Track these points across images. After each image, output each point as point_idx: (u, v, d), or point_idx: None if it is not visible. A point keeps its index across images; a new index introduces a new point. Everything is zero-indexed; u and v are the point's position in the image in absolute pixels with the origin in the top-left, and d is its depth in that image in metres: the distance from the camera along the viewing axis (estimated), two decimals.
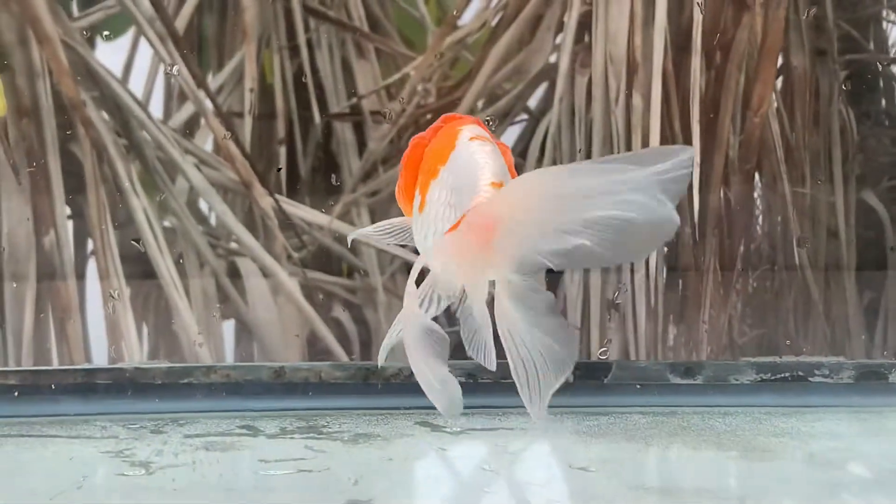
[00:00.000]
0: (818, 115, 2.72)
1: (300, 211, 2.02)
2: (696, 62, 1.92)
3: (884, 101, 3.12)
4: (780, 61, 2.73)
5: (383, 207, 2.28)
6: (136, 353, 1.85)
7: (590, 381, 1.59)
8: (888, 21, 3.13)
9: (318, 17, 2.20)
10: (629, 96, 2.00)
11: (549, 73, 2.19)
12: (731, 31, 2.01)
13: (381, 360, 1.12)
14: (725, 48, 2.01)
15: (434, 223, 0.99)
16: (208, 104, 2.01)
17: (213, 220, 2.06)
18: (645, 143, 1.97)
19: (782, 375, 1.65)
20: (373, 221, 2.26)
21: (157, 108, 2.31)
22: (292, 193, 2.23)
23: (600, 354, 1.92)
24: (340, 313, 2.22)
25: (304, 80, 2.22)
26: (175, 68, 1.85)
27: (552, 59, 2.19)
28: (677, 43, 2.01)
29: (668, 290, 2.09)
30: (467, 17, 2.31)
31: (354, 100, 2.16)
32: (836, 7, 2.97)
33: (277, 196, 1.96)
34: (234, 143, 1.89)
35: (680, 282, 2.12)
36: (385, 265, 2.22)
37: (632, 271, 2.02)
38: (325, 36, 2.28)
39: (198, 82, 1.85)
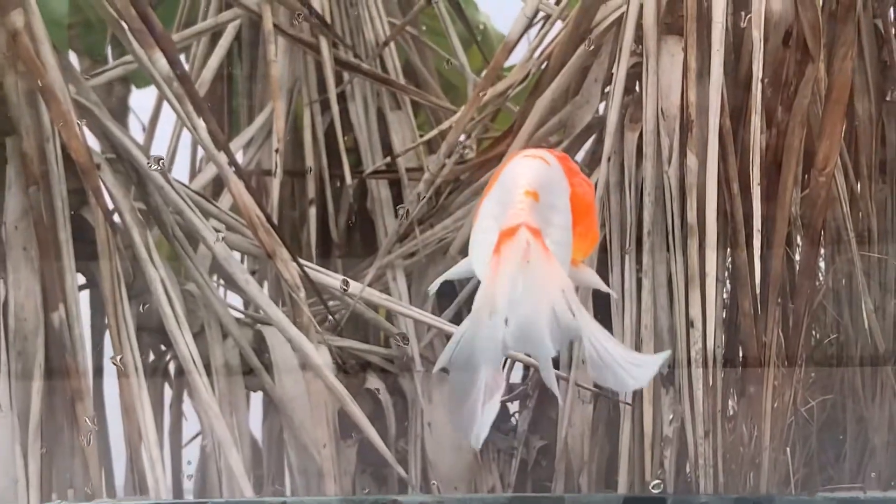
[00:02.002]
0: (885, 164, 2.57)
1: (329, 279, 1.89)
2: (756, 120, 1.76)
3: None
4: None
5: (421, 269, 2.15)
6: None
7: None
8: None
9: (350, 70, 2.08)
10: (683, 155, 1.85)
11: (597, 127, 2.05)
12: (794, 84, 1.86)
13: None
14: (787, 103, 1.86)
15: (481, 236, 0.88)
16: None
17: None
18: (700, 206, 1.82)
19: None
20: (409, 285, 2.14)
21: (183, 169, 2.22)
22: (323, 257, 2.11)
23: (652, 487, 1.77)
24: (376, 384, 2.09)
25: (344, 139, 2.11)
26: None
27: (600, 112, 2.05)
28: (735, 98, 1.86)
29: (728, 364, 1.94)
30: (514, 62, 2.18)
31: (388, 158, 2.03)
32: None
33: (304, 263, 1.83)
34: (258, 208, 1.76)
35: (740, 354, 1.97)
36: (422, 332, 2.08)
37: (687, 344, 1.87)
38: (360, 88, 2.16)
39: (218, 144, 1.73)
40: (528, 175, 0.90)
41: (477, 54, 2.42)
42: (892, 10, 2.82)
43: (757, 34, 1.78)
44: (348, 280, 1.78)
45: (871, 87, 2.42)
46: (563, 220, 0.89)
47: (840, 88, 1.88)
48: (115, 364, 1.65)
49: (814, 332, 2.80)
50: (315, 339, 1.83)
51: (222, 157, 1.75)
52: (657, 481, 1.79)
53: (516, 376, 2.18)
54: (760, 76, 1.78)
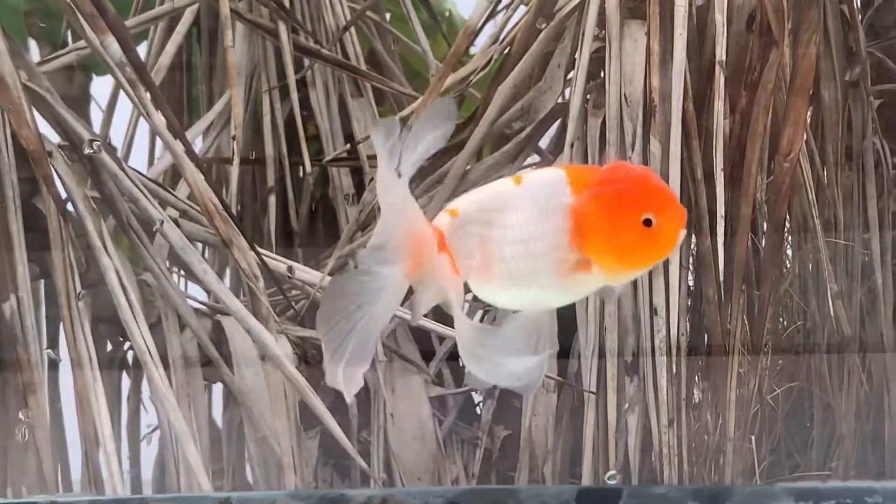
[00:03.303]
0: (850, 150, 2.56)
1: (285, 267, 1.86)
2: (719, 105, 1.74)
3: None
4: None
5: None
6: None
7: None
8: None
9: (310, 56, 2.04)
10: (647, 141, 1.83)
11: (561, 113, 2.03)
12: (758, 69, 1.84)
13: None
14: (751, 88, 1.84)
15: None
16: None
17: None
18: None
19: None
20: None
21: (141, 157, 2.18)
22: (284, 246, 2.08)
23: (608, 479, 1.75)
24: None
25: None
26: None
27: (565, 98, 2.03)
28: (698, 83, 1.84)
29: (692, 352, 1.92)
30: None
31: (348, 146, 2.00)
32: (867, 33, 2.82)
33: (262, 251, 1.80)
34: (216, 195, 1.73)
35: (705, 341, 1.95)
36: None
37: (651, 332, 1.86)
38: (321, 74, 2.13)
39: (174, 131, 1.69)
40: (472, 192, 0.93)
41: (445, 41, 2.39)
42: None
43: (720, 18, 1.76)
44: (293, 267, 1.74)
45: (836, 73, 2.41)
46: (503, 235, 0.90)
47: (804, 74, 1.87)
48: (50, 356, 1.61)
49: (781, 320, 2.80)
50: (273, 330, 1.80)
51: (178, 144, 1.72)
52: (612, 472, 1.77)
53: None
54: (723, 60, 1.76)
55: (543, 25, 1.89)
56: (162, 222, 1.69)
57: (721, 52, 1.75)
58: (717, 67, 1.75)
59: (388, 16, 2.51)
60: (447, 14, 2.94)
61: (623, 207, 0.91)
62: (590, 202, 0.91)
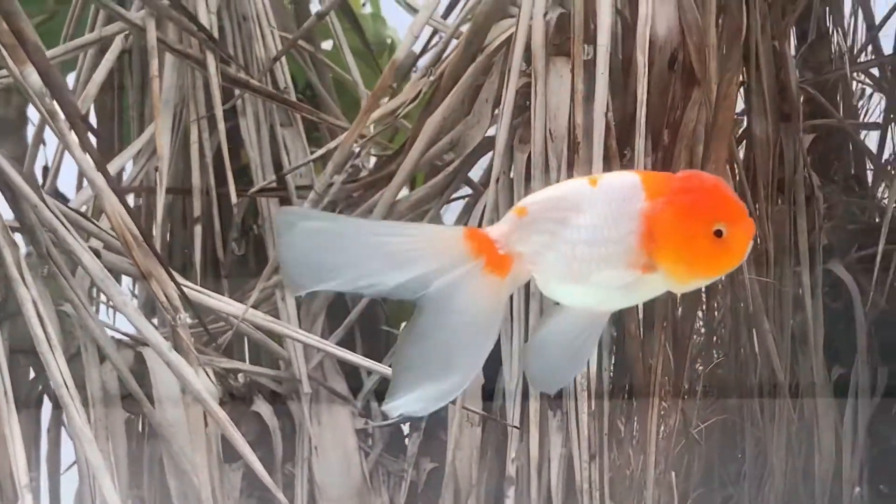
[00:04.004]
0: (783, 183, 2.59)
1: (211, 300, 1.85)
2: (641, 143, 1.76)
3: (853, 167, 2.99)
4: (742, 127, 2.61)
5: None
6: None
7: None
8: (860, 82, 3.02)
9: (238, 86, 2.04)
10: (569, 176, 1.84)
11: (489, 146, 2.03)
12: (680, 107, 1.86)
13: None
14: (674, 126, 1.86)
15: None
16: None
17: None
18: None
19: None
20: (299, 306, 2.10)
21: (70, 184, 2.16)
22: (209, 278, 2.07)
23: None
24: (263, 407, 2.05)
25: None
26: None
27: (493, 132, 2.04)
28: (622, 121, 1.86)
29: (615, 386, 1.93)
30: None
31: (274, 177, 2.00)
32: (801, 69, 2.86)
33: (185, 283, 1.79)
34: (138, 226, 1.71)
35: (628, 378, 1.96)
36: (311, 353, 2.05)
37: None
38: (252, 104, 2.12)
39: (97, 164, 1.68)
40: (542, 191, 0.95)
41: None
42: (793, 31, 2.87)
43: (641, 58, 1.78)
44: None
45: (768, 109, 2.44)
46: (575, 235, 0.92)
47: (725, 112, 1.89)
48: None
49: (716, 353, 2.83)
50: (194, 363, 1.79)
51: (99, 174, 1.70)
52: None
53: None
54: (645, 99, 1.78)
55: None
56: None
57: (642, 91, 1.76)
58: (640, 106, 1.76)
59: (330, 43, 2.51)
60: (389, 42, 2.95)
61: (696, 216, 0.92)
62: (664, 209, 0.92)
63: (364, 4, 2.89)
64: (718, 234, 0.93)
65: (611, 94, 1.84)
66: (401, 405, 0.94)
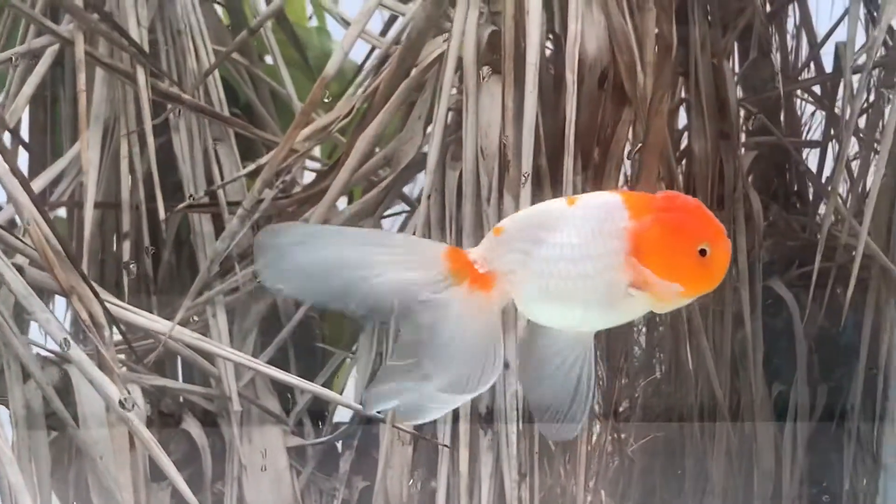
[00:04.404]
0: (723, 201, 2.59)
1: (137, 317, 1.82)
2: (570, 162, 1.75)
3: (795, 184, 3.00)
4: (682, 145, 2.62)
5: (243, 306, 2.10)
6: None
7: None
8: (803, 100, 3.04)
9: (170, 101, 2.02)
10: (500, 194, 1.84)
11: (422, 164, 2.02)
12: (610, 126, 1.86)
13: None
14: (604, 145, 1.86)
15: None
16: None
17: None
18: None
19: None
20: (231, 322, 2.08)
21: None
22: (138, 294, 2.04)
23: None
24: (191, 426, 2.02)
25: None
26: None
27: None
28: (554, 138, 1.86)
29: None
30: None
31: (203, 193, 1.98)
32: (743, 87, 2.87)
33: (109, 300, 1.77)
34: (61, 242, 1.69)
35: None
36: (242, 370, 2.03)
37: (504, 386, 1.85)
38: (185, 119, 2.10)
39: (20, 179, 1.66)
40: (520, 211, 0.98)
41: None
42: (736, 49, 2.88)
43: (570, 76, 1.77)
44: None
45: (707, 127, 2.45)
46: (553, 252, 0.92)
47: (656, 132, 1.89)
48: None
49: (657, 372, 2.82)
50: (118, 381, 1.76)
51: (21, 189, 1.68)
52: None
53: (343, 415, 2.14)
54: (574, 118, 1.77)
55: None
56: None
57: (571, 110, 1.76)
58: (568, 125, 1.75)
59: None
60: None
61: (683, 235, 0.93)
62: (651, 227, 0.93)
63: (311, 18, 2.87)
64: (702, 253, 0.93)
65: (542, 113, 1.84)
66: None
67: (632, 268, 0.93)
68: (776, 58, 2.87)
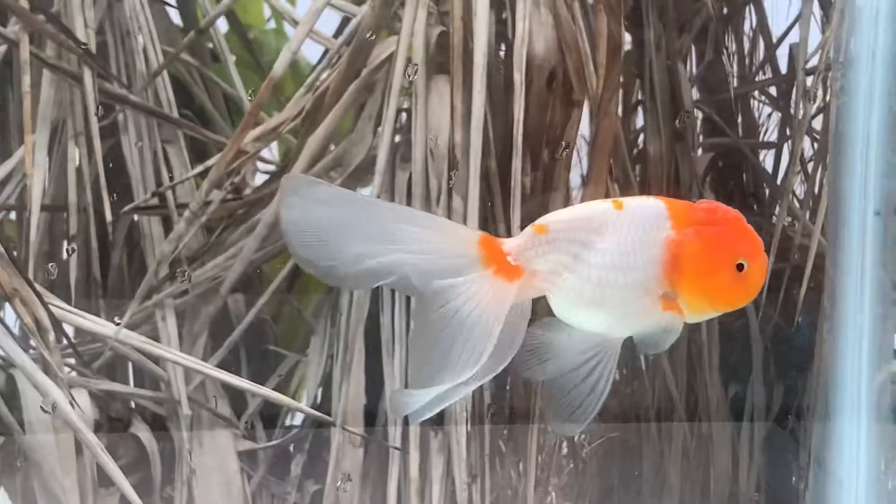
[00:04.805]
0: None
1: (83, 321, 1.80)
2: (518, 163, 1.75)
3: (752, 185, 3.01)
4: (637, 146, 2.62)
5: (193, 309, 2.08)
6: None
7: None
8: (759, 101, 3.05)
9: (117, 102, 2.00)
10: (449, 197, 1.83)
11: (372, 165, 2.01)
12: (559, 127, 1.85)
13: None
14: (553, 145, 1.86)
15: None
16: None
17: None
18: None
19: None
20: (181, 325, 2.07)
21: None
22: (88, 299, 2.02)
23: None
24: (140, 430, 2.01)
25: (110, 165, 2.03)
26: None
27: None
28: (503, 140, 1.85)
29: (496, 405, 1.92)
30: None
31: (148, 195, 1.96)
32: (701, 89, 2.87)
33: (54, 303, 1.75)
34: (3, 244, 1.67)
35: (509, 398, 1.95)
36: (192, 374, 2.01)
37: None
38: (134, 121, 2.08)
39: None
40: (564, 211, 0.95)
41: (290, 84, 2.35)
42: (693, 50, 2.88)
43: (518, 76, 1.77)
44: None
45: (662, 129, 2.45)
46: (598, 258, 0.91)
47: (604, 132, 1.88)
48: None
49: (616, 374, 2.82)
50: (63, 385, 1.74)
51: None
52: None
53: (296, 419, 2.13)
54: (522, 118, 1.77)
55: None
56: None
57: (519, 111, 1.76)
58: (516, 125, 1.75)
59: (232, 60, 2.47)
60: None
61: (723, 249, 0.93)
62: (692, 240, 0.92)
63: (269, 21, 2.86)
64: (740, 267, 0.92)
65: (491, 114, 1.83)
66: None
67: (668, 278, 0.92)
68: (733, 59, 2.88)
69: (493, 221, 1.83)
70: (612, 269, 0.93)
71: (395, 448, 1.89)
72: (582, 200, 1.91)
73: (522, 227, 1.80)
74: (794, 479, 2.11)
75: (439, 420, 1.89)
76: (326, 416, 1.89)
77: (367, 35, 1.80)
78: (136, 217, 2.04)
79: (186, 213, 1.89)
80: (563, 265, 0.93)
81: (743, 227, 0.96)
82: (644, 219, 0.94)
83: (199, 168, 1.95)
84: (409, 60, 1.77)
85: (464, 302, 0.92)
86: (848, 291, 1.69)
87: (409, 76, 1.72)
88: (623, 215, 0.94)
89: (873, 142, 1.64)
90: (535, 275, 0.94)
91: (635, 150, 2.61)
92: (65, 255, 2.04)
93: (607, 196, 1.93)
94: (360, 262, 0.92)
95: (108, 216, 1.89)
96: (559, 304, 0.96)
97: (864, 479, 1.69)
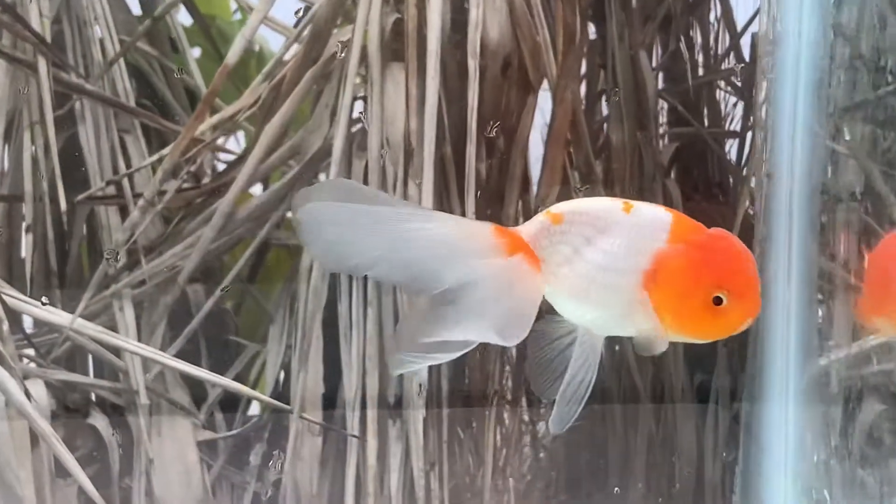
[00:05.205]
0: (643, 190, 2.60)
1: (37, 310, 1.80)
2: (472, 150, 1.75)
3: (716, 174, 3.02)
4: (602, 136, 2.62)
5: (151, 299, 2.07)
6: None
7: None
8: (724, 90, 3.05)
9: (73, 91, 1.99)
10: (405, 184, 1.83)
11: (329, 154, 2.01)
12: (515, 113, 1.86)
13: None
14: (509, 132, 1.86)
15: None
16: None
17: None
18: None
19: None
20: (139, 316, 2.06)
21: None
22: (48, 290, 2.02)
23: None
24: (98, 420, 2.00)
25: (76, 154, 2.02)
26: None
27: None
28: (459, 128, 1.85)
29: (454, 394, 1.92)
30: None
31: (104, 183, 1.95)
32: (665, 79, 2.88)
33: (7, 293, 1.74)
34: None
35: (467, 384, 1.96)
36: (149, 365, 2.00)
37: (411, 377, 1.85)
38: (91, 110, 2.07)
39: None
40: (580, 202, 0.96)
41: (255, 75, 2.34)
42: (658, 40, 2.89)
43: (472, 63, 1.77)
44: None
45: (624, 118, 2.45)
46: (595, 257, 0.91)
47: (561, 119, 1.89)
48: None
49: None
50: (17, 375, 1.74)
51: None
52: None
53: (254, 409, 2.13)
54: (477, 105, 1.77)
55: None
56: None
57: (473, 97, 1.76)
58: (470, 112, 1.75)
59: (198, 52, 2.46)
60: (257, 49, 2.91)
61: (700, 276, 0.92)
62: (675, 256, 0.92)
63: (235, 12, 2.85)
64: (718, 301, 0.91)
65: (447, 101, 1.83)
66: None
67: (647, 288, 0.93)
68: (697, 49, 2.88)
69: (448, 208, 1.84)
70: (597, 267, 0.94)
71: (353, 436, 1.89)
72: (539, 186, 1.92)
73: (477, 215, 1.82)
74: (724, 453, 2.12)
75: (398, 407, 1.89)
76: (284, 405, 1.89)
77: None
78: (94, 207, 2.03)
79: (141, 202, 1.88)
80: (566, 257, 0.94)
81: (739, 262, 0.93)
82: (645, 227, 0.94)
83: (154, 157, 1.94)
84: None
85: (487, 291, 0.92)
86: (778, 275, 1.71)
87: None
88: (628, 219, 0.94)
89: (800, 117, 1.65)
90: (545, 263, 0.95)
91: (600, 141, 2.62)
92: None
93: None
94: (378, 264, 0.93)
95: (63, 205, 1.88)
96: (553, 295, 0.97)
97: (793, 452, 1.71)
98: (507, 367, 1.95)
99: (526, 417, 2.21)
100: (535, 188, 1.96)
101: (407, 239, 0.93)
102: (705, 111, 2.93)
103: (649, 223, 0.94)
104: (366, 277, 1.89)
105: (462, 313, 0.93)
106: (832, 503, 1.71)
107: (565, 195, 2.03)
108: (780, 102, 1.72)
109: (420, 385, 1.78)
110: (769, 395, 1.78)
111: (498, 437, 1.93)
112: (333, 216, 0.92)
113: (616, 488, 2.02)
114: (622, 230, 0.94)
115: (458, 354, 0.96)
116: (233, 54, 1.87)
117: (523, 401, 2.00)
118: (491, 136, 1.72)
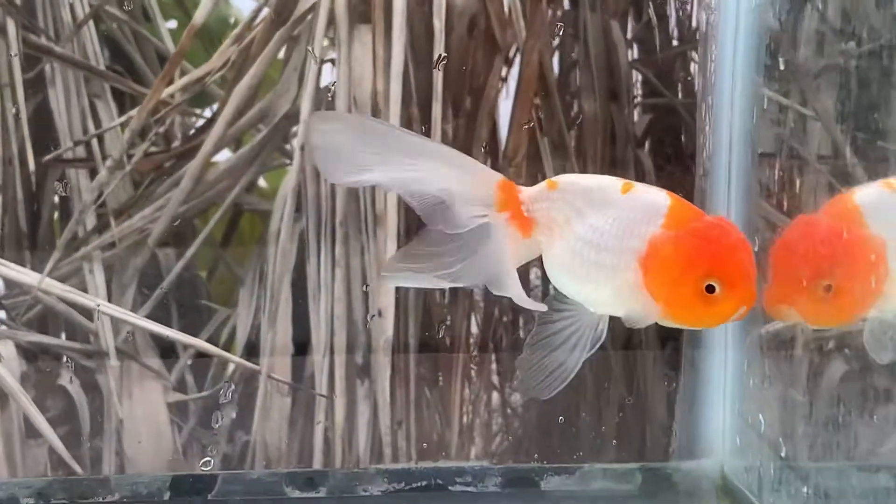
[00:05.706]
0: (615, 161, 2.61)
1: (5, 269, 1.81)
2: (438, 109, 1.76)
3: (690, 146, 3.03)
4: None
5: (121, 261, 2.08)
6: None
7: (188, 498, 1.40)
8: (694, 62, 3.06)
9: (42, 54, 2.00)
10: None
11: (297, 116, 2.02)
12: (482, 75, 1.87)
13: None
14: (476, 93, 1.87)
15: None
16: None
17: None
18: (384, 199, 1.82)
19: (418, 484, 1.48)
20: (108, 278, 2.07)
21: None
22: (20, 251, 2.02)
23: (202, 466, 1.76)
24: (67, 381, 2.01)
25: (17, 116, 2.02)
26: None
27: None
28: (426, 88, 1.86)
29: (422, 352, 1.94)
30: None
31: (72, 145, 1.96)
32: (641, 50, 2.89)
33: None
34: None
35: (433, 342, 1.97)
36: (119, 326, 2.02)
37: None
38: (61, 73, 2.08)
39: None
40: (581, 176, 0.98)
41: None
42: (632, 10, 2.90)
43: (438, 23, 1.78)
44: None
45: (596, 86, 2.46)
46: (586, 233, 0.93)
47: (527, 81, 1.90)
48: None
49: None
50: None
51: None
52: (207, 459, 1.78)
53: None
54: (441, 64, 1.78)
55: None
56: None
57: (439, 55, 1.77)
58: (434, 71, 1.76)
59: (175, 23, 2.46)
60: (232, 21, 2.91)
61: (692, 264, 0.93)
62: (668, 242, 0.93)
63: None
64: (710, 289, 0.91)
65: (413, 61, 1.84)
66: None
67: (640, 272, 0.92)
68: (669, 19, 2.89)
69: None
70: (587, 243, 0.94)
71: (322, 395, 1.90)
72: (506, 146, 1.93)
73: None
74: (665, 382, 2.14)
75: (366, 368, 1.91)
76: (254, 365, 1.90)
77: None
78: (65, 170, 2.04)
79: (109, 161, 1.89)
80: (558, 225, 0.95)
81: (734, 254, 0.93)
82: (640, 209, 0.95)
83: (122, 118, 1.95)
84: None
85: (472, 238, 0.94)
86: None
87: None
88: (623, 199, 0.95)
89: (738, 81, 1.67)
90: (537, 225, 0.96)
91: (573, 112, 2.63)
92: None
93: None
94: (381, 184, 0.95)
95: (31, 166, 1.89)
96: (547, 265, 0.99)
97: (730, 378, 1.73)
98: (476, 319, 1.96)
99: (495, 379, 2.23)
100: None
101: (418, 169, 0.94)
102: (679, 84, 2.95)
103: (646, 206, 0.94)
104: (334, 239, 1.91)
105: (447, 256, 0.96)
106: (766, 426, 1.73)
107: (535, 159, 2.04)
108: (721, 65, 1.74)
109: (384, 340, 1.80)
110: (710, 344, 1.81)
111: (467, 391, 1.95)
112: (344, 134, 0.94)
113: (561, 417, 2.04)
114: (616, 209, 0.95)
115: (447, 285, 0.98)
116: (199, 15, 1.88)
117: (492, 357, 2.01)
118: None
